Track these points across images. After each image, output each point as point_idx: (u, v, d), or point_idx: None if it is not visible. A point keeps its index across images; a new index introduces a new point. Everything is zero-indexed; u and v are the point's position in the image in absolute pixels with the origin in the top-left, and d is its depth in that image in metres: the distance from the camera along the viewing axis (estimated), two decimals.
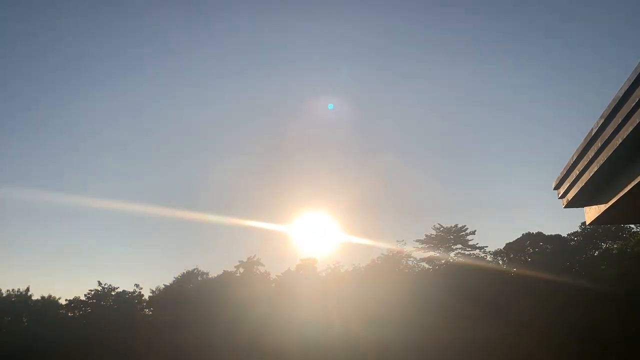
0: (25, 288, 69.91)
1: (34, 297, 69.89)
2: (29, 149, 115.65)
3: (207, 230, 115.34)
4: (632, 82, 4.92)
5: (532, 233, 63.39)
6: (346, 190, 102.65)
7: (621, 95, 5.11)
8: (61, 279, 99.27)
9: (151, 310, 70.26)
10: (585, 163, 6.37)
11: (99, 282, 68.95)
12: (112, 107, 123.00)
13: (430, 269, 65.02)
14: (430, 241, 66.79)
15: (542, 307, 49.53)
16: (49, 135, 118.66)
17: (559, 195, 7.64)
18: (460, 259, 64.31)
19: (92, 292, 68.48)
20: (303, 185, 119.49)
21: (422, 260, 67.06)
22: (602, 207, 6.94)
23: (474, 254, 65.49)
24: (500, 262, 64.08)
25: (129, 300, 68.56)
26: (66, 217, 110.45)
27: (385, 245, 68.67)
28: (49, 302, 69.55)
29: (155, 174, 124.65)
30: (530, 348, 47.44)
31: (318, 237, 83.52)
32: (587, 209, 7.60)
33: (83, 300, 68.86)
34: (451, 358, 49.18)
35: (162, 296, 68.84)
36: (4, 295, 69.00)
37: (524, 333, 48.27)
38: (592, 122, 6.05)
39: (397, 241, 67.61)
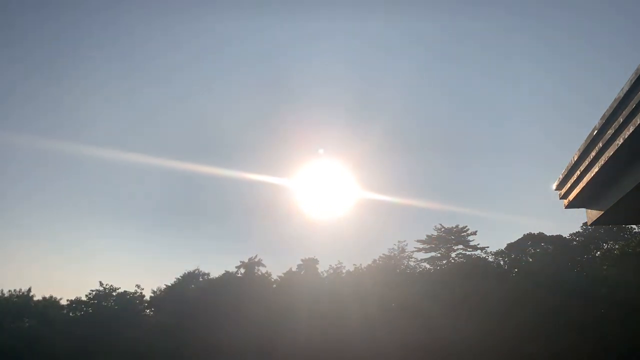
0: (27, 289, 69.91)
1: (36, 298, 69.78)
2: (31, 142, 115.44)
3: (210, 225, 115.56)
4: (633, 83, 4.90)
5: (534, 233, 63.28)
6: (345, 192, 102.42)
7: (622, 96, 5.08)
8: (63, 279, 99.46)
9: (152, 311, 70.21)
10: (587, 164, 6.35)
11: (100, 282, 68.98)
12: (112, 100, 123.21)
13: (431, 269, 64.93)
14: (431, 242, 66.77)
15: (544, 307, 49.41)
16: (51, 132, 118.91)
17: (560, 196, 7.61)
18: (462, 259, 64.22)
19: (94, 293, 68.44)
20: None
21: (423, 260, 67.08)
22: (604, 208, 6.92)
23: (475, 254, 65.42)
24: (502, 262, 63.96)
25: (130, 301, 68.52)
26: (67, 216, 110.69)
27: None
28: (50, 303, 69.45)
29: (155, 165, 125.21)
30: (531, 348, 47.33)
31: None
32: (588, 209, 7.58)
33: (84, 301, 68.80)
34: (453, 358, 49.10)
35: (163, 297, 68.75)
36: (6, 295, 68.93)
37: (526, 333, 48.18)
38: (593, 122, 6.03)
39: (399, 241, 67.72)
